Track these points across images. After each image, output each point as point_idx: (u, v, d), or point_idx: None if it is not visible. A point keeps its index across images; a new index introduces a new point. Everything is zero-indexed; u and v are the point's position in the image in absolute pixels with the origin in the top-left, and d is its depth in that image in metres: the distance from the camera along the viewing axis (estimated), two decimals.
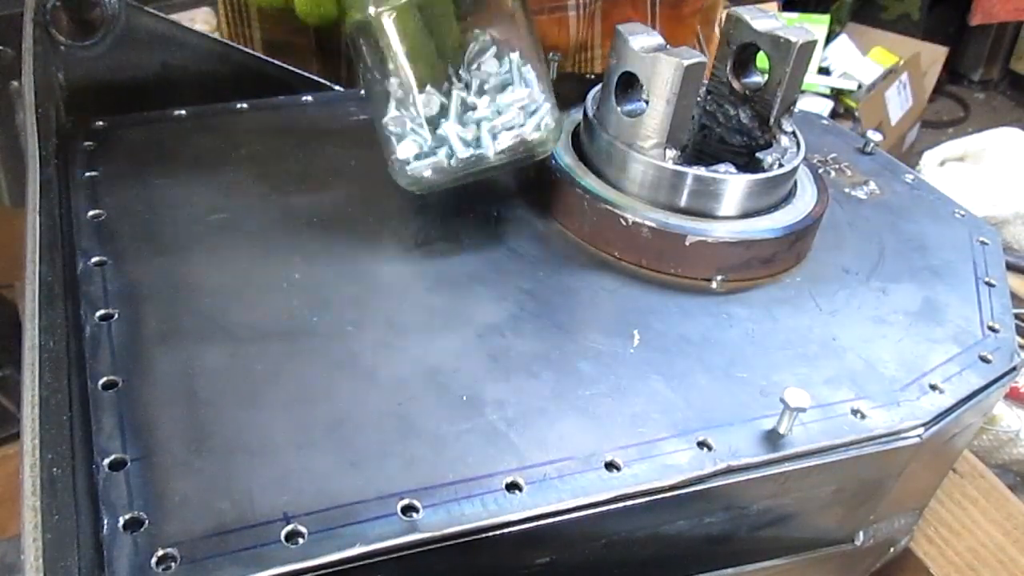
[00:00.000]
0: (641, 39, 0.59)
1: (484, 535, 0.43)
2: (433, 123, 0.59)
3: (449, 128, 0.59)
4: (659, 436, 0.49)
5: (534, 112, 0.61)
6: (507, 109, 0.60)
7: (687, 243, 0.60)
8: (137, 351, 0.49)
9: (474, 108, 0.60)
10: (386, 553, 0.41)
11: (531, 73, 0.61)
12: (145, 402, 0.46)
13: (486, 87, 0.60)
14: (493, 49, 0.61)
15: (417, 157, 0.60)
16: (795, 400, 0.49)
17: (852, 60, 2.71)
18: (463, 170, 0.60)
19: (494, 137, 0.60)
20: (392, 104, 0.59)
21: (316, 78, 0.81)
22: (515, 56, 0.61)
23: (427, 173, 0.60)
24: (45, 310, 0.44)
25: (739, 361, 0.55)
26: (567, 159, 0.65)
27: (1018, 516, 0.75)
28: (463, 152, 0.59)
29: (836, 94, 2.60)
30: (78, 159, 0.64)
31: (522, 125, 0.60)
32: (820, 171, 0.76)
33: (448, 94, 0.60)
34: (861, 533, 0.60)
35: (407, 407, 0.48)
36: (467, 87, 0.60)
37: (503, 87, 0.61)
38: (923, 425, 0.53)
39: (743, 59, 0.66)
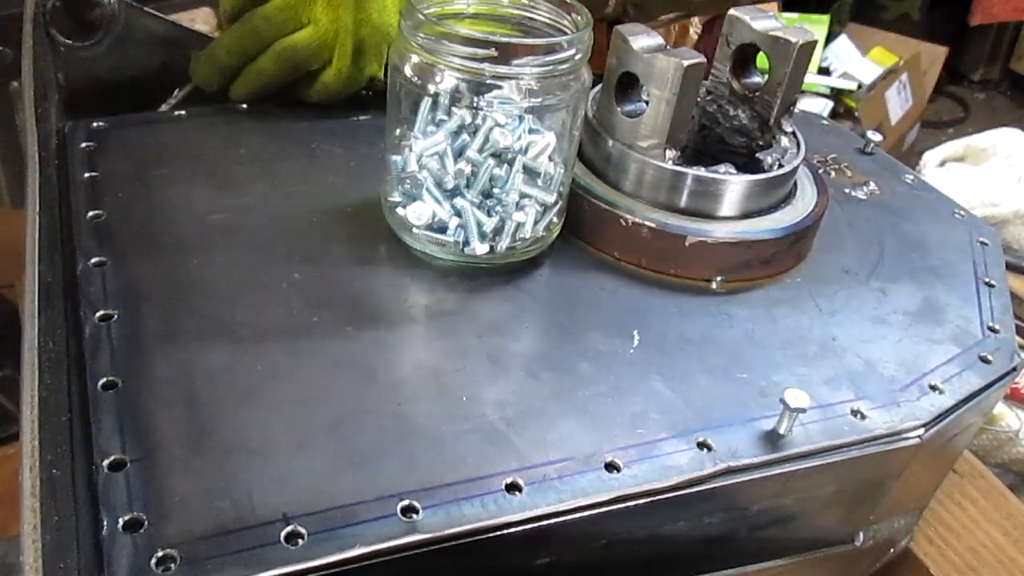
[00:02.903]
0: (641, 39, 0.59)
1: (484, 536, 0.43)
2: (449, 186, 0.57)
3: (467, 210, 0.56)
4: (659, 437, 0.49)
5: (545, 209, 0.58)
6: (528, 203, 0.57)
7: (687, 243, 0.60)
8: (137, 351, 0.49)
9: (498, 187, 0.56)
10: (386, 554, 0.41)
11: (560, 166, 0.58)
12: (145, 402, 0.46)
13: (508, 156, 0.56)
14: (529, 118, 0.56)
15: (427, 226, 0.57)
16: (795, 400, 0.49)
17: (852, 60, 2.71)
18: (467, 260, 0.58)
19: (512, 237, 0.57)
20: (413, 157, 0.56)
21: None
22: (550, 138, 0.56)
23: (434, 250, 0.58)
24: (45, 311, 0.44)
25: (739, 361, 0.55)
26: None
27: (1018, 516, 0.75)
28: (481, 248, 0.57)
29: (836, 94, 2.59)
30: (78, 159, 0.64)
31: (536, 222, 0.58)
32: (820, 171, 0.76)
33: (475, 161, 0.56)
34: (861, 533, 0.60)
35: (407, 407, 0.48)
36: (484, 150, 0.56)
37: (529, 171, 0.57)
38: (923, 426, 0.53)
39: (743, 59, 0.66)
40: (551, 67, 0.54)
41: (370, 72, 0.73)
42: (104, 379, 0.47)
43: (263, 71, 0.71)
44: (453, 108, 0.55)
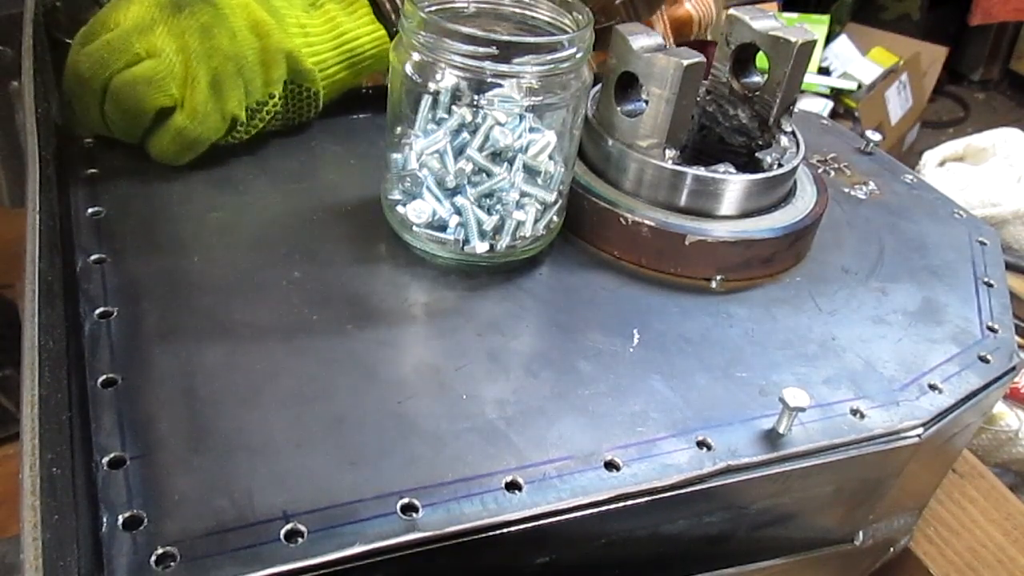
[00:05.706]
0: (641, 39, 0.59)
1: (483, 535, 0.43)
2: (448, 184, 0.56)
3: (467, 208, 0.56)
4: (658, 435, 0.49)
5: (545, 207, 0.58)
6: (528, 202, 0.57)
7: (687, 242, 0.60)
8: (136, 349, 0.49)
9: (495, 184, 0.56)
10: (385, 552, 0.41)
11: (560, 164, 0.58)
12: (144, 400, 0.46)
13: (507, 155, 0.56)
14: (530, 117, 0.56)
15: (428, 224, 0.57)
16: (794, 400, 0.49)
17: (852, 60, 2.71)
18: (468, 258, 0.58)
19: (512, 235, 0.57)
20: (413, 155, 0.57)
21: None
22: (551, 137, 0.56)
23: (434, 248, 0.58)
24: (44, 309, 0.44)
25: (738, 361, 0.55)
26: None
27: (1017, 516, 0.75)
28: (481, 247, 0.57)
29: (836, 94, 2.60)
30: (78, 156, 0.64)
31: (537, 221, 0.58)
32: (820, 171, 0.76)
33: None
34: (860, 533, 0.60)
35: (407, 406, 0.48)
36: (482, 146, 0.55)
37: (529, 170, 0.57)
38: (922, 425, 0.53)
39: (743, 59, 0.66)
40: (552, 66, 0.54)
41: (231, 111, 0.62)
42: (104, 376, 0.47)
43: (111, 118, 0.61)
44: (453, 106, 0.55)
